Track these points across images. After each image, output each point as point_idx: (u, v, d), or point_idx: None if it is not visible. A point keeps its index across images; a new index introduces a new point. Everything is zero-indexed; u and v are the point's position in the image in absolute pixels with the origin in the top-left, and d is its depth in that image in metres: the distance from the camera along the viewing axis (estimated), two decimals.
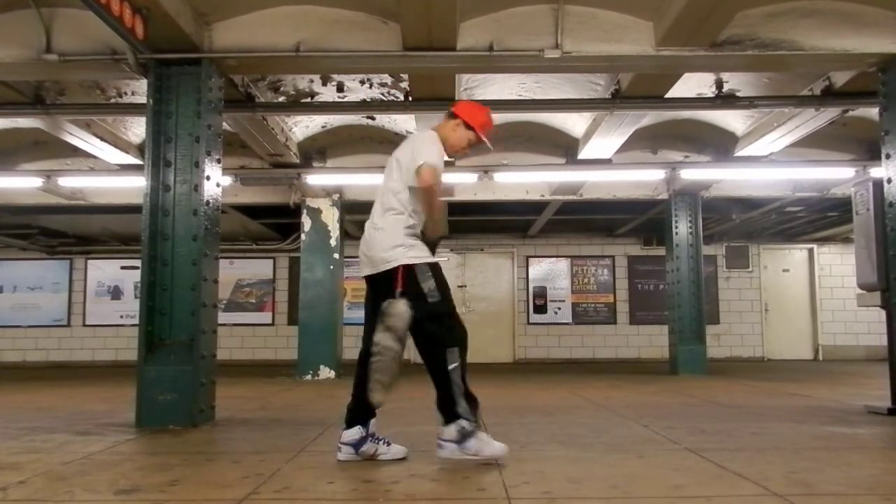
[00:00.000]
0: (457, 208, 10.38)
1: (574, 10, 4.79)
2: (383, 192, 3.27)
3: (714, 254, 12.64)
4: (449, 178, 8.36)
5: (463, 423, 3.02)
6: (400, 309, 3.03)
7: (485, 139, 3.43)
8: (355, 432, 3.16)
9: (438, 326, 3.07)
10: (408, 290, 3.06)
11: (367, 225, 3.27)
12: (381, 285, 3.14)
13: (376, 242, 3.17)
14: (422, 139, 3.32)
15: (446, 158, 3.39)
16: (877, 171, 6.03)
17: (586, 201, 9.49)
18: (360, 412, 3.18)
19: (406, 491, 2.60)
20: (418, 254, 3.14)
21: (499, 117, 7.29)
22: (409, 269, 3.09)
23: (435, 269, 3.14)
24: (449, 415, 3.06)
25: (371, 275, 3.21)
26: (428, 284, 3.08)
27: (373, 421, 3.20)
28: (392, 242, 3.14)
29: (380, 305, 3.08)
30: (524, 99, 6.53)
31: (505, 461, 3.12)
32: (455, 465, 3.08)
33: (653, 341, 12.36)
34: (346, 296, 11.53)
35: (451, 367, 3.04)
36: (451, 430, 3.04)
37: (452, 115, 3.41)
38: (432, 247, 3.22)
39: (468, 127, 3.38)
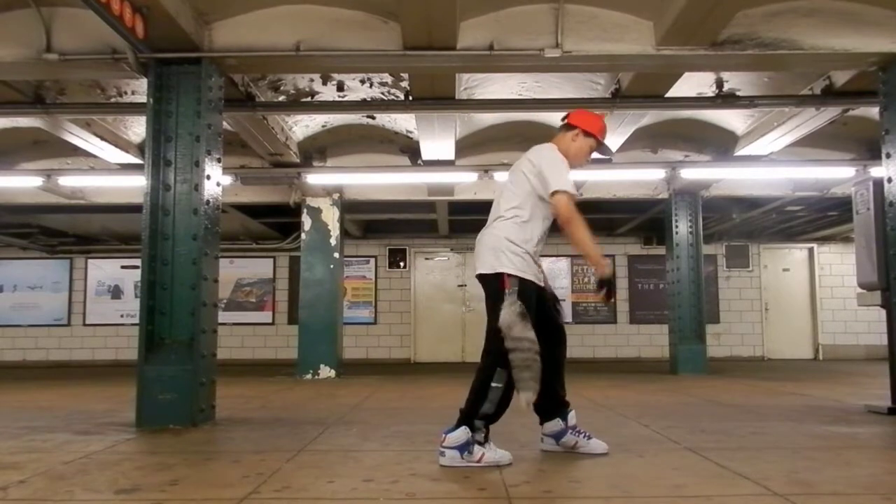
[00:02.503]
0: (457, 208, 10.39)
1: (574, 10, 4.78)
2: (502, 199, 3.24)
3: (714, 253, 12.63)
4: (450, 177, 8.37)
5: (468, 430, 3.00)
6: (503, 316, 2.98)
7: (606, 144, 3.42)
8: (555, 424, 3.24)
9: (500, 343, 2.99)
10: (493, 294, 3.08)
11: (485, 228, 3.28)
12: (486, 287, 3.15)
13: (499, 238, 3.15)
14: (551, 157, 3.21)
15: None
16: (877, 171, 6.02)
17: (586, 200, 9.46)
18: (552, 405, 3.23)
19: (406, 490, 2.60)
20: (516, 269, 3.07)
21: (499, 117, 7.36)
22: (500, 275, 3.07)
23: (525, 285, 3.05)
24: (460, 419, 3.03)
25: (478, 274, 3.22)
26: (511, 298, 3.02)
27: (571, 413, 3.25)
28: (508, 243, 3.10)
29: (487, 306, 3.12)
30: (524, 98, 6.53)
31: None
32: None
33: (653, 341, 12.36)
34: (346, 295, 11.55)
35: (493, 384, 3.01)
36: (454, 437, 3.00)
37: (569, 127, 3.37)
38: (606, 286, 3.14)
39: (587, 134, 3.33)
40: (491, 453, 3.02)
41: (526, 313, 2.98)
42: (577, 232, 3.08)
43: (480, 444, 3.01)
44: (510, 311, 2.98)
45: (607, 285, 3.16)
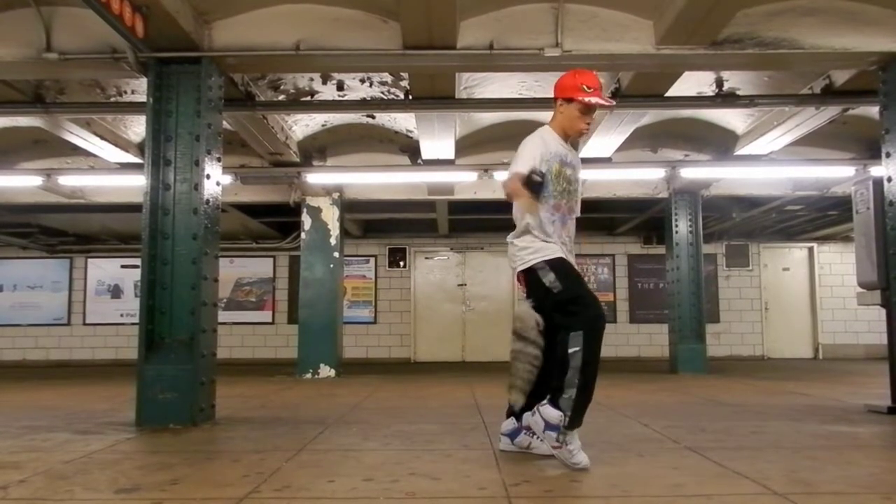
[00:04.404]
0: (457, 207, 10.39)
1: (574, 9, 4.78)
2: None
3: (714, 252, 12.63)
4: (450, 176, 8.37)
5: (560, 414, 2.95)
6: (521, 311, 3.18)
7: (590, 99, 3.16)
8: (509, 423, 3.28)
9: (563, 315, 3.06)
10: (533, 292, 3.16)
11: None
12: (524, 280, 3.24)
13: (511, 245, 3.26)
14: (521, 146, 3.24)
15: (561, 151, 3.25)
16: (877, 170, 6.02)
17: (586, 200, 9.39)
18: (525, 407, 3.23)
19: (406, 489, 2.60)
20: (536, 255, 3.13)
21: (499, 116, 7.35)
22: (530, 271, 3.15)
23: (553, 262, 3.10)
24: (552, 398, 3.01)
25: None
26: (548, 278, 3.08)
27: (527, 414, 3.22)
28: (520, 245, 3.20)
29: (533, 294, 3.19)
30: (524, 98, 6.53)
31: (503, 461, 3.13)
32: (455, 463, 3.08)
33: (653, 340, 12.36)
34: (346, 294, 11.55)
35: (570, 350, 2.99)
36: (553, 414, 2.97)
37: (554, 100, 3.30)
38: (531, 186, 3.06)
39: (568, 100, 3.20)
40: (568, 453, 2.93)
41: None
42: (518, 201, 3.14)
43: (568, 417, 2.94)
44: (527, 317, 3.18)
45: (528, 183, 3.03)
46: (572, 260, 3.25)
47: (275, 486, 2.65)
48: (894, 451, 3.49)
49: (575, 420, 2.95)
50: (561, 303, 3.06)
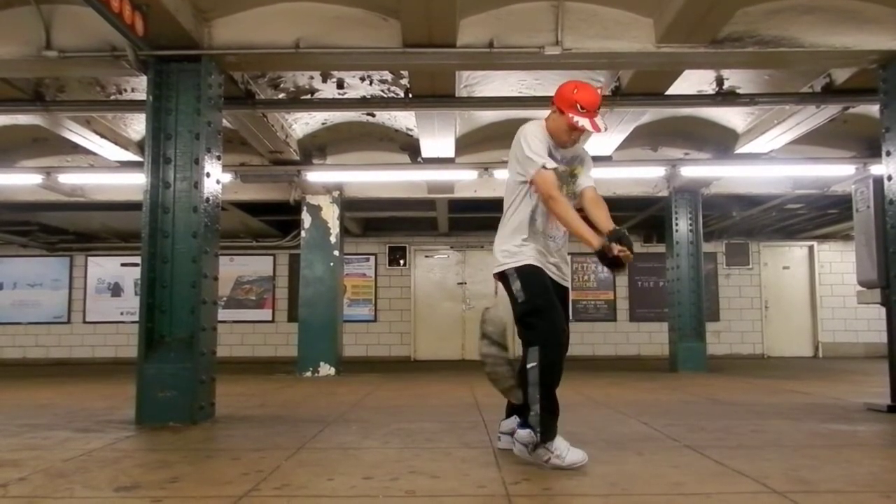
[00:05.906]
0: (457, 205, 10.39)
1: (574, 7, 4.78)
2: (505, 190, 3.20)
3: (714, 251, 12.63)
4: (450, 175, 8.37)
5: (529, 431, 2.92)
6: (495, 315, 3.15)
7: (578, 121, 2.96)
8: (511, 421, 3.25)
9: (523, 327, 3.00)
10: (509, 295, 3.09)
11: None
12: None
13: (495, 244, 3.20)
14: (524, 135, 3.06)
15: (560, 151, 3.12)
16: (877, 169, 6.02)
17: None
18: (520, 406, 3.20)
19: (406, 488, 2.61)
20: (508, 260, 3.07)
21: (499, 114, 7.35)
22: (503, 275, 3.10)
23: (522, 270, 3.02)
24: (523, 418, 3.00)
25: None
26: (515, 286, 3.02)
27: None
28: (499, 246, 3.14)
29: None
30: (524, 96, 6.52)
31: (502, 459, 3.13)
32: (455, 461, 3.08)
33: (653, 338, 12.36)
34: (346, 293, 11.55)
35: (528, 366, 2.94)
36: (523, 434, 2.97)
37: (552, 102, 3.11)
38: (603, 255, 2.84)
39: (561, 111, 3.02)
40: (565, 455, 2.87)
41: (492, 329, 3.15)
42: (556, 210, 2.96)
43: (539, 432, 2.88)
44: (499, 321, 3.20)
45: (608, 257, 2.83)
46: (561, 258, 3.18)
47: (274, 485, 2.65)
48: (894, 449, 3.49)
49: (546, 434, 2.90)
50: (522, 314, 2.99)
